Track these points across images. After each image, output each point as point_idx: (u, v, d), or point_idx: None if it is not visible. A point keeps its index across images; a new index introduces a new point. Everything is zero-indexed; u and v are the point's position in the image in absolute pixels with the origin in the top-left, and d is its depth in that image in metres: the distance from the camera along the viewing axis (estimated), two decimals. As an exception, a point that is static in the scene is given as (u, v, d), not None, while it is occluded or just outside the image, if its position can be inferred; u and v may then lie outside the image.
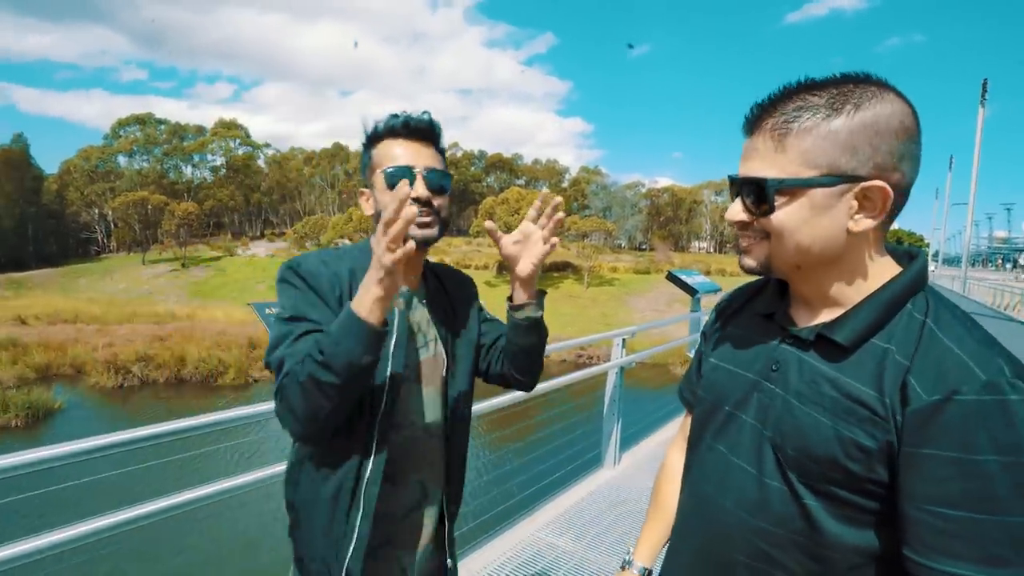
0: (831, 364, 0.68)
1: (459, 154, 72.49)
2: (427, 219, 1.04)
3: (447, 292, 1.19)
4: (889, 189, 0.65)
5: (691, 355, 1.11)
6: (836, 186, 0.65)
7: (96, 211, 60.86)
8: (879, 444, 0.62)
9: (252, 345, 19.99)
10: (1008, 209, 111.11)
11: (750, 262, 0.74)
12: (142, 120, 64.23)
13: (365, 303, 0.87)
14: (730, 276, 45.83)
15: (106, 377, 17.38)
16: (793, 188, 0.66)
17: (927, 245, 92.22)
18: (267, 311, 1.79)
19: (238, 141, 65.58)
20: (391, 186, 1.02)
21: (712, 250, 68.41)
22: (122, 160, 62.62)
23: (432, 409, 1.10)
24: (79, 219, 61.58)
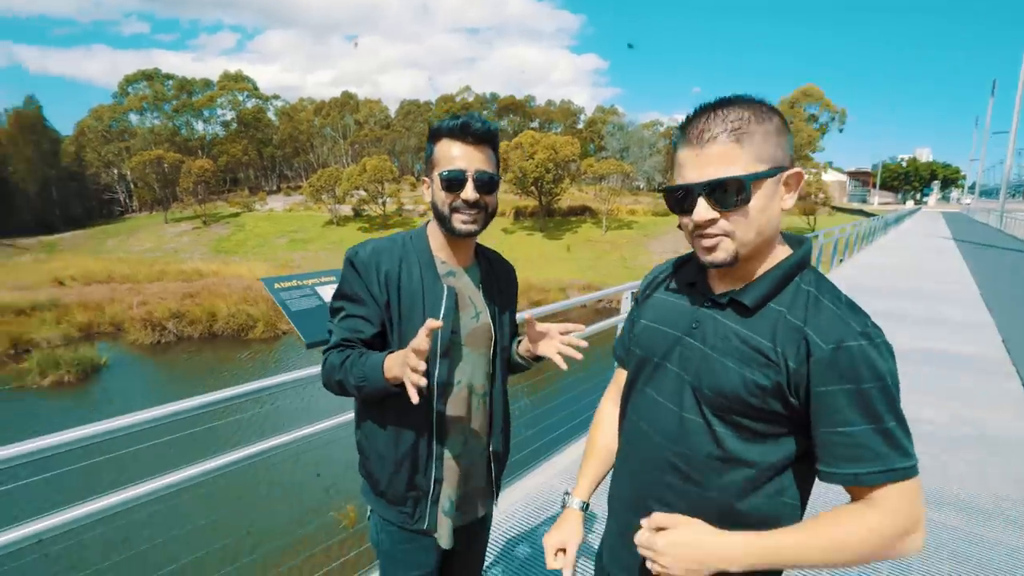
0: (739, 322, 0.88)
1: (471, 98, 70.41)
2: (472, 216, 1.21)
3: (495, 273, 1.38)
4: (802, 171, 0.86)
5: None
6: (777, 176, 0.84)
7: (115, 171, 61.28)
8: (772, 383, 0.84)
9: (279, 300, 20.40)
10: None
11: (721, 257, 0.86)
12: (149, 76, 63.35)
13: (392, 370, 1.08)
14: (752, 216, 44.67)
15: (144, 334, 18.09)
16: (759, 180, 0.82)
17: (963, 177, 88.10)
18: (276, 286, 1.88)
19: (246, 94, 64.48)
20: (445, 187, 1.20)
21: (734, 189, 66.48)
22: (134, 118, 62.36)
23: (478, 370, 1.28)
24: (99, 180, 62.14)
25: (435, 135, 1.22)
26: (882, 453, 0.80)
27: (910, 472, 0.81)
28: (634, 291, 4.00)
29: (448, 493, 1.26)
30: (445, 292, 1.21)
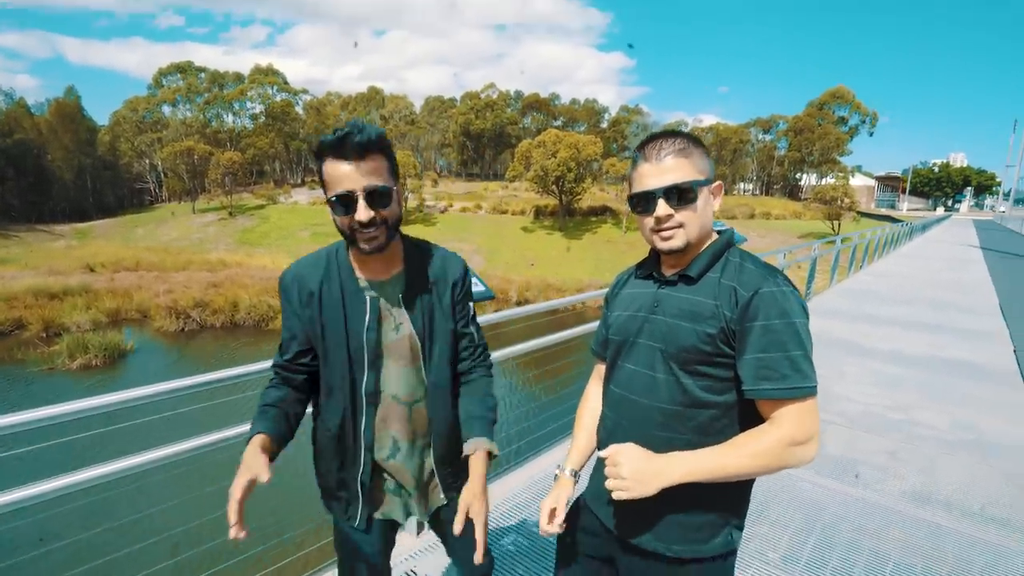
0: (687, 291, 1.13)
1: (495, 95, 70.52)
2: (373, 233, 1.16)
3: (426, 279, 1.30)
4: (723, 185, 1.10)
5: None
6: (709, 185, 1.13)
7: (147, 161, 63.01)
8: (717, 330, 1.07)
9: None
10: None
11: (677, 243, 1.11)
12: (182, 69, 64.93)
13: (243, 462, 1.10)
14: (776, 219, 44.12)
15: (169, 321, 18.67)
16: (700, 186, 1.10)
17: (999, 183, 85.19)
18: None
19: (276, 88, 65.65)
20: (338, 211, 1.16)
21: (758, 192, 65.51)
22: (166, 110, 64.02)
23: (406, 382, 1.29)
24: (132, 170, 63.96)
25: (319, 154, 1.14)
26: (786, 375, 1.02)
27: (807, 391, 1.02)
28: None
29: (391, 493, 1.35)
30: (368, 303, 1.24)
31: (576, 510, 1.35)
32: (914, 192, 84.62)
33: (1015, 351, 5.78)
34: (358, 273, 1.27)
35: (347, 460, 1.31)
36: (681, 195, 1.08)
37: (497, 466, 3.27)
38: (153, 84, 64.92)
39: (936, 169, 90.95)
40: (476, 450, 1.26)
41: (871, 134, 61.11)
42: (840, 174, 54.19)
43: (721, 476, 1.03)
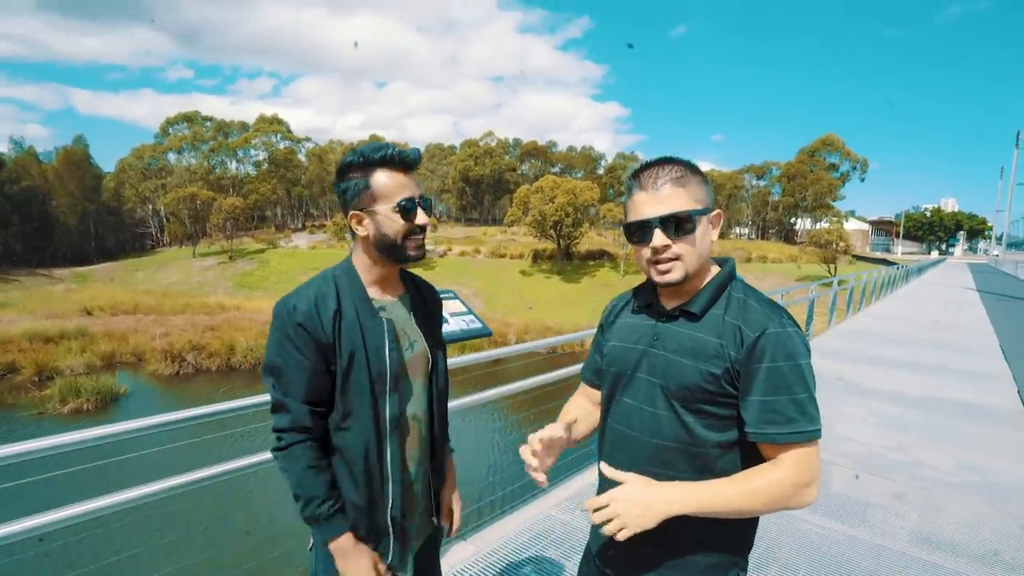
0: (689, 327, 1.09)
1: (493, 143, 72.45)
2: (421, 240, 1.26)
3: (423, 297, 1.40)
4: (722, 213, 1.12)
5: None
6: (708, 214, 1.08)
7: (150, 207, 63.99)
8: (721, 370, 1.04)
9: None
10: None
11: (675, 277, 1.08)
12: (189, 118, 66.89)
13: (343, 559, 1.19)
14: (773, 263, 44.52)
15: (164, 365, 18.46)
16: (699, 216, 1.06)
17: (990, 228, 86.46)
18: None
19: (279, 136, 67.50)
20: (402, 216, 1.21)
21: (753, 236, 66.34)
22: (172, 157, 65.49)
23: (420, 399, 1.32)
24: (135, 215, 64.91)
25: (367, 166, 1.21)
26: (792, 418, 1.00)
27: (812, 435, 1.01)
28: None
29: (407, 525, 1.30)
30: (385, 326, 1.23)
31: (586, 557, 1.30)
32: (907, 236, 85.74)
33: (1019, 391, 5.73)
34: (371, 293, 1.26)
35: (374, 494, 1.23)
36: (679, 225, 1.04)
37: (492, 510, 3.17)
38: (160, 133, 66.71)
39: (928, 214, 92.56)
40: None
41: (862, 179, 62.56)
42: (834, 218, 55.11)
43: (720, 510, 1.00)
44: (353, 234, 1.26)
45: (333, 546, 1.18)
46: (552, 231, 41.29)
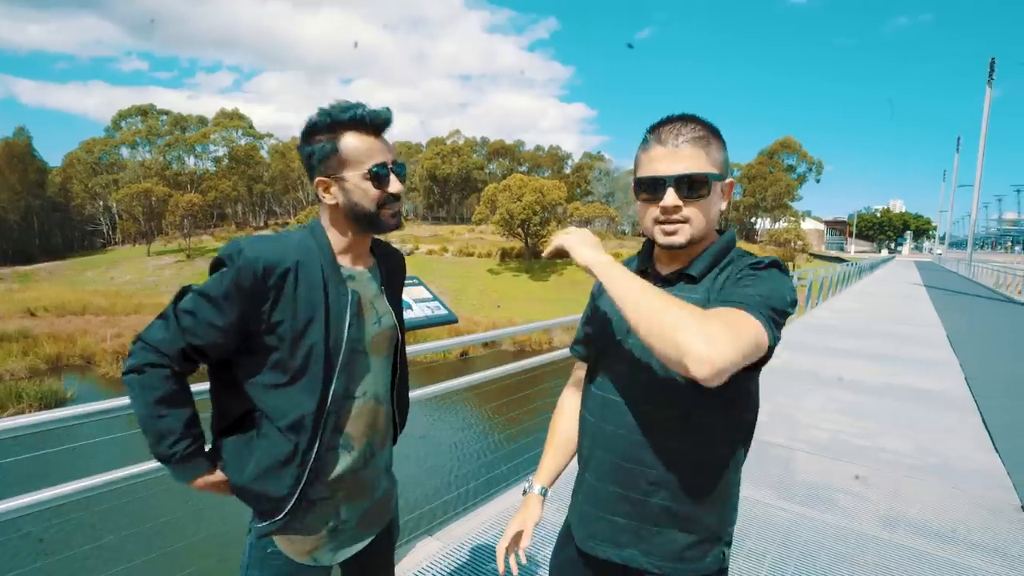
0: (685, 290, 1.03)
1: (461, 141, 72.02)
2: (397, 208, 1.16)
3: (392, 268, 1.30)
4: (734, 183, 1.06)
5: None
6: (722, 181, 1.02)
7: (101, 203, 61.02)
8: None
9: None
10: (1017, 190, 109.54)
11: (680, 240, 1.01)
12: (144, 111, 64.09)
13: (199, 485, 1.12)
14: (734, 261, 45.51)
15: (115, 367, 17.59)
16: (715, 181, 0.99)
17: (935, 228, 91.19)
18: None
19: (241, 131, 65.37)
20: (375, 183, 1.10)
21: (716, 235, 67.83)
22: (125, 152, 62.69)
23: (382, 378, 1.21)
24: (84, 212, 61.74)
25: (334, 128, 1.08)
26: (751, 303, 0.87)
27: (758, 314, 0.86)
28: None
29: (348, 514, 1.17)
30: (350, 297, 1.11)
31: (562, 540, 1.22)
32: (860, 235, 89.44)
33: (966, 379, 5.97)
34: (341, 262, 1.15)
35: (304, 478, 1.08)
36: (693, 186, 0.97)
37: (458, 504, 3.07)
38: (112, 126, 63.67)
39: (878, 214, 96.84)
40: None
41: (818, 181, 64.87)
42: (792, 219, 56.97)
43: (620, 292, 0.86)
44: (320, 199, 1.14)
45: (196, 487, 1.11)
46: (520, 229, 41.32)
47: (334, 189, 1.10)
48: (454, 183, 69.47)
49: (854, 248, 77.98)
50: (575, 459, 1.22)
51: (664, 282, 1.06)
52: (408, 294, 2.61)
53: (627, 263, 1.20)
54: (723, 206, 1.04)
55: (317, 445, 1.09)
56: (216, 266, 1.06)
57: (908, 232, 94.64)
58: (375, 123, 1.10)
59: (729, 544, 1.07)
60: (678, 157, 0.97)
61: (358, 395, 1.16)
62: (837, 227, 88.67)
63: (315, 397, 1.08)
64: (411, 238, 50.75)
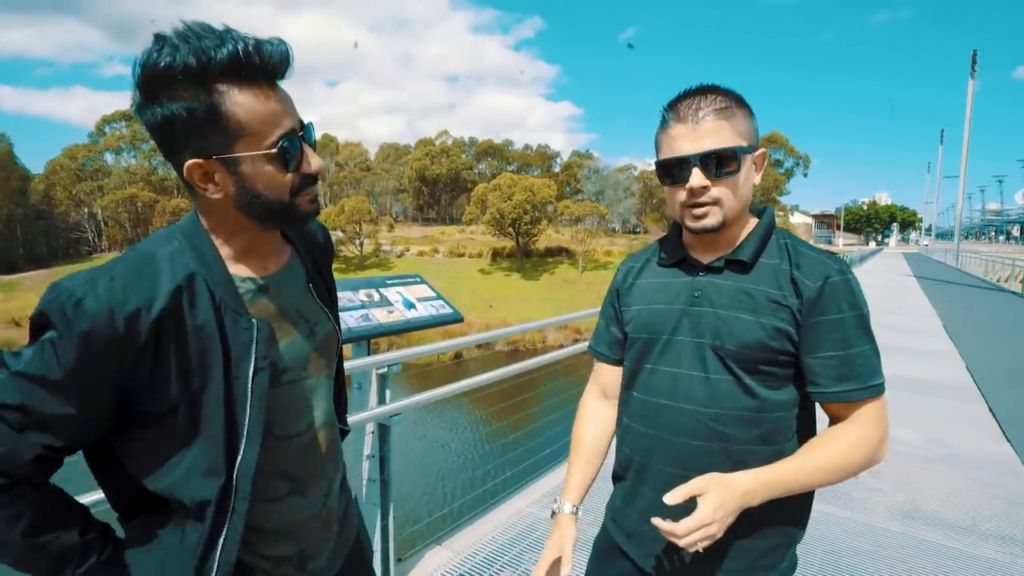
0: (739, 280, 0.95)
1: (449, 142, 71.80)
2: (316, 191, 0.83)
3: (316, 254, 0.98)
4: (766, 153, 0.98)
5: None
6: (752, 153, 0.94)
7: (85, 210, 60.10)
8: (787, 323, 0.91)
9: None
10: (1000, 181, 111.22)
11: (712, 222, 0.93)
12: (128, 116, 63.07)
13: None
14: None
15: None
16: (744, 154, 0.91)
17: (920, 219, 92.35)
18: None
19: (226, 135, 64.60)
20: (281, 163, 0.76)
21: (706, 231, 68.14)
22: (109, 158, 61.80)
23: (325, 395, 0.94)
24: (68, 219, 60.77)
25: (205, 77, 0.70)
26: (863, 373, 0.90)
27: (882, 388, 0.92)
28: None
29: (316, 562, 0.92)
30: (254, 333, 0.77)
31: (602, 556, 1.12)
32: (847, 228, 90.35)
33: (968, 368, 5.96)
34: (237, 272, 0.81)
35: (206, 558, 0.77)
36: (720, 163, 0.89)
37: (467, 510, 2.98)
38: (95, 132, 62.79)
39: (865, 207, 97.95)
40: None
41: (805, 175, 65.30)
42: (780, 213, 57.41)
43: (801, 488, 0.91)
44: (191, 190, 0.77)
45: None
46: (510, 229, 41.24)
47: (220, 176, 0.74)
48: (443, 184, 69.23)
49: (842, 241, 78.80)
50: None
51: (709, 271, 0.98)
52: (411, 293, 2.51)
53: (645, 252, 1.13)
54: (756, 179, 0.96)
55: (231, 527, 0.77)
56: (40, 327, 0.70)
57: (895, 224, 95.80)
58: (268, 67, 0.72)
59: (798, 542, 1.02)
60: (700, 133, 0.90)
61: (298, 432, 0.88)
62: (825, 220, 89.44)
63: (220, 471, 0.76)
64: (402, 240, 50.51)
